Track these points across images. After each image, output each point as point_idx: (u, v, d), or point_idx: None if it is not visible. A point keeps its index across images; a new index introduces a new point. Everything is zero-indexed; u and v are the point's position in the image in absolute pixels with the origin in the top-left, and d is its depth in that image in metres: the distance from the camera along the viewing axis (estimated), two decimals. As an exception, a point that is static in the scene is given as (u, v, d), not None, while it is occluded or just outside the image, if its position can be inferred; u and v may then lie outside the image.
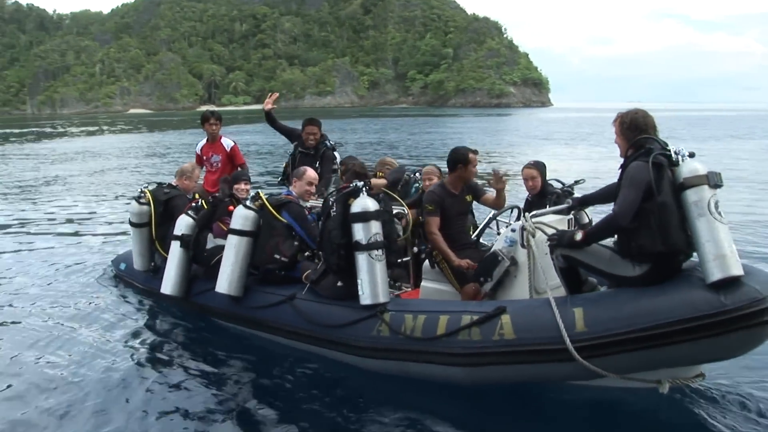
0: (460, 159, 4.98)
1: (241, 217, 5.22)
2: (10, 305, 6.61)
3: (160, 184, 6.85)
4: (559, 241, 3.97)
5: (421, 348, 4.16)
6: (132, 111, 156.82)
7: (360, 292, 4.42)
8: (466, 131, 43.81)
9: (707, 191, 3.50)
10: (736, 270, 3.43)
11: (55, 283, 7.31)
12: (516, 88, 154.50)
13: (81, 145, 36.31)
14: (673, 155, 3.63)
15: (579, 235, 3.90)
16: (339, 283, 4.70)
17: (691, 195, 3.51)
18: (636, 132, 3.82)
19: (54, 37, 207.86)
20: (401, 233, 5.21)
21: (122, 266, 7.33)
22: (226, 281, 5.17)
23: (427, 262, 5.13)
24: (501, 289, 4.61)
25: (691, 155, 3.65)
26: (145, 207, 6.62)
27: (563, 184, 5.48)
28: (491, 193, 5.20)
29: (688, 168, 3.56)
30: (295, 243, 5.18)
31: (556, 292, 4.08)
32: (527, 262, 4.31)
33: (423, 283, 5.18)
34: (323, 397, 4.32)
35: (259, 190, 5.48)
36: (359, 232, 4.41)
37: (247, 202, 5.31)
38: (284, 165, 7.30)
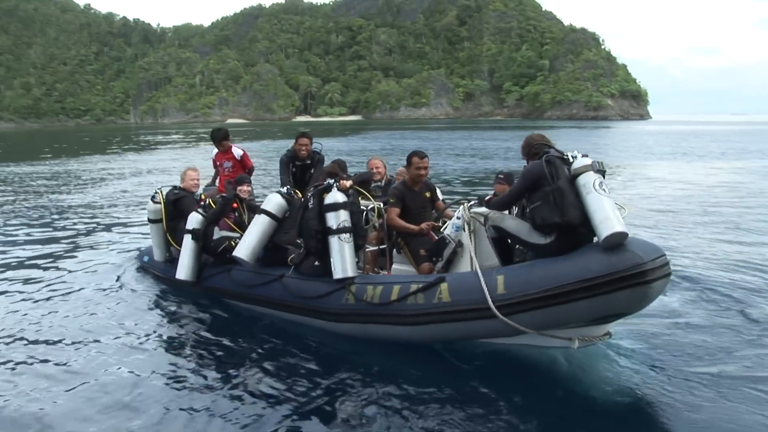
0: (407, 160, 7.06)
1: (274, 202, 7.28)
2: (57, 288, 8.79)
3: (174, 187, 8.99)
4: (492, 218, 5.85)
5: (378, 311, 5.99)
6: (230, 120, 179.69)
7: (333, 269, 6.34)
8: (561, 145, 57.65)
9: (592, 175, 5.15)
10: (620, 227, 4.89)
11: (94, 272, 9.71)
12: (613, 101, 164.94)
13: (175, 154, 42.74)
14: (569, 157, 5.37)
15: (499, 214, 5.88)
16: (316, 263, 6.63)
17: (581, 179, 5.17)
18: (528, 147, 5.89)
19: (157, 49, 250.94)
20: (376, 224, 7.24)
21: (145, 258, 9.60)
22: (246, 248, 7.16)
23: (395, 249, 7.04)
24: (450, 267, 6.37)
25: (584, 155, 5.36)
26: (158, 205, 8.76)
27: None
28: (440, 203, 7.25)
29: (578, 162, 5.28)
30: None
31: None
32: (469, 244, 6.00)
33: (393, 266, 7.02)
34: (308, 358, 6.06)
35: (295, 189, 7.77)
36: (331, 219, 6.34)
37: (283, 191, 7.42)
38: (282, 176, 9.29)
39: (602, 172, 5.21)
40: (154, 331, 6.99)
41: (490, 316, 5.28)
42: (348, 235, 6.34)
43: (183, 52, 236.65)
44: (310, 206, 6.56)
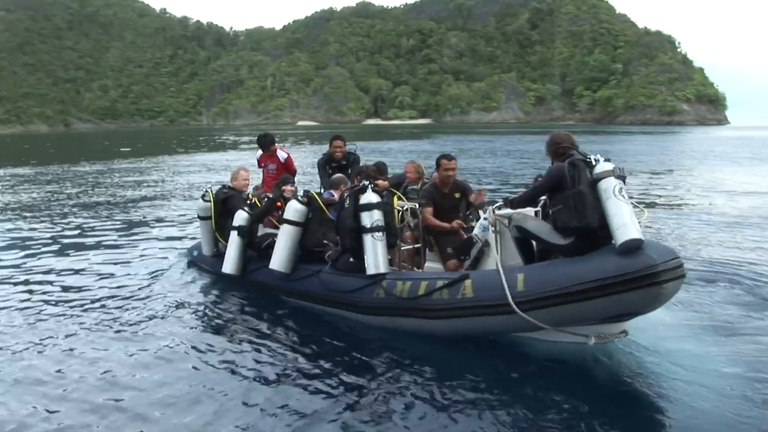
0: (437, 162, 7.77)
1: (295, 210, 7.95)
2: (114, 277, 9.82)
3: (222, 186, 9.83)
4: (515, 219, 6.42)
5: (406, 305, 6.66)
6: (300, 123, 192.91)
7: (367, 265, 7.01)
8: (632, 150, 46.68)
9: (613, 180, 5.57)
10: (636, 234, 5.36)
11: (148, 265, 10.64)
12: (689, 105, 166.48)
13: (244, 155, 43.92)
14: (592, 160, 5.76)
15: (523, 214, 6.46)
16: (351, 259, 7.33)
17: (602, 184, 5.59)
18: (554, 146, 6.23)
19: (230, 52, 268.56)
20: (411, 223, 7.82)
21: (195, 253, 10.58)
22: (279, 260, 7.94)
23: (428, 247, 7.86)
24: (478, 265, 6.92)
25: (607, 159, 5.73)
26: (207, 203, 9.63)
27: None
28: (473, 197, 7.72)
29: (600, 167, 5.68)
30: (336, 235, 7.71)
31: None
32: (494, 244, 6.57)
33: (426, 264, 7.77)
34: (336, 348, 6.68)
35: (313, 191, 8.24)
36: (365, 218, 7.01)
37: (299, 197, 8.10)
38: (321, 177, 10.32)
39: (623, 178, 5.70)
40: (199, 319, 7.85)
41: (509, 312, 5.88)
42: (381, 233, 7.05)
43: (255, 55, 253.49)
44: (346, 206, 7.30)
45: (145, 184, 25.06)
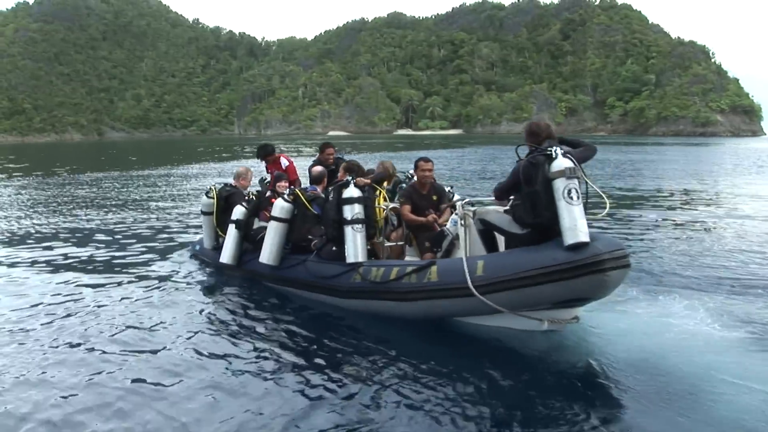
0: (415, 164, 8.58)
1: (280, 207, 8.75)
2: (121, 269, 10.84)
3: (225, 184, 10.74)
4: (479, 213, 7.30)
5: (379, 289, 7.40)
6: (331, 133, 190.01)
7: (347, 254, 7.78)
8: (665, 161, 46.59)
9: (564, 182, 6.02)
10: (583, 238, 5.95)
11: (156, 258, 11.89)
12: (723, 116, 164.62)
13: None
14: (553, 153, 6.14)
15: (488, 208, 7.34)
16: (334, 248, 8.07)
17: (555, 184, 6.08)
18: (530, 137, 6.63)
19: (261, 62, 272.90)
20: (394, 222, 8.73)
21: (197, 247, 11.60)
22: (267, 254, 8.82)
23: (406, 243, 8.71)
24: (449, 256, 7.59)
25: (564, 154, 6.13)
26: (211, 200, 10.48)
27: None
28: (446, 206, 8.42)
29: (554, 165, 6.10)
30: (322, 227, 8.41)
31: None
32: (462, 236, 7.34)
33: (406, 258, 8.44)
34: (326, 329, 7.46)
35: (297, 189, 8.96)
36: (347, 211, 7.73)
37: (285, 196, 8.79)
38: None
39: (575, 177, 6.13)
40: (196, 306, 8.60)
41: (469, 295, 6.57)
42: (361, 225, 7.76)
43: (286, 65, 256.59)
44: (331, 199, 8.00)
45: (169, 189, 27.17)
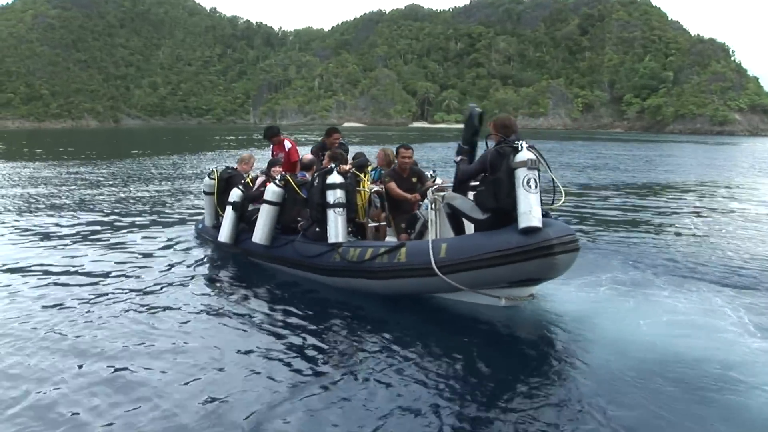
0: (396, 151, 9.67)
1: (272, 191, 9.50)
2: (134, 246, 11.95)
3: (227, 167, 11.71)
4: (447, 198, 8.03)
5: (355, 268, 8.22)
6: (347, 124, 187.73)
7: (329, 234, 8.57)
8: (678, 160, 45.54)
9: (525, 171, 6.79)
10: (536, 223, 6.71)
11: (162, 236, 12.98)
12: (742, 115, 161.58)
13: None
14: (519, 146, 6.93)
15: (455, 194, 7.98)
16: (317, 229, 8.86)
17: (517, 173, 6.83)
18: (498, 128, 7.36)
19: (278, 52, 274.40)
20: (377, 204, 9.53)
21: (200, 226, 12.66)
22: (260, 234, 9.61)
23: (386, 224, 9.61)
24: (421, 238, 8.54)
25: (528, 147, 6.96)
26: (212, 181, 11.39)
27: None
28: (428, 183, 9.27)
29: (518, 156, 6.88)
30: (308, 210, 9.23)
31: None
32: (433, 219, 8.20)
33: (387, 238, 9.36)
34: (309, 301, 8.41)
35: (287, 174, 9.70)
36: (330, 195, 8.49)
37: (276, 181, 9.58)
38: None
39: (536, 169, 6.91)
40: (193, 276, 9.65)
41: (433, 274, 7.40)
42: (342, 209, 8.54)
43: (303, 56, 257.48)
44: (316, 184, 8.76)
45: (182, 171, 29.10)
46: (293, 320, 7.69)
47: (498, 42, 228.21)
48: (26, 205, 18.04)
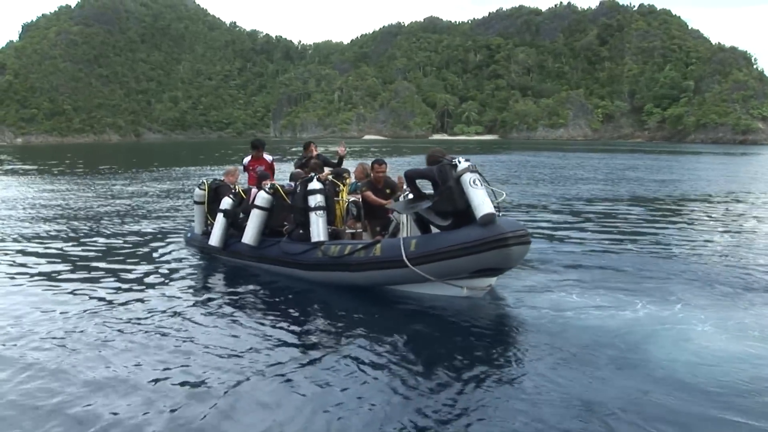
0: (371, 166, 10.81)
1: (262, 198, 10.63)
2: (127, 251, 13.13)
3: (215, 179, 12.72)
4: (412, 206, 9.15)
5: (335, 262, 9.38)
6: (366, 137, 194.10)
7: (312, 235, 9.72)
8: (699, 170, 44.22)
9: (470, 174, 8.30)
10: (489, 209, 8.10)
11: (156, 243, 14.10)
12: (765, 124, 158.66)
13: None
14: (456, 161, 8.48)
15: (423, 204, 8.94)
16: (301, 231, 10.00)
17: (463, 178, 8.32)
18: (432, 158, 8.96)
19: (297, 66, 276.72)
20: (354, 212, 10.67)
21: (189, 235, 13.68)
22: (249, 236, 10.74)
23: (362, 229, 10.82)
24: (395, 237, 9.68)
25: (466, 160, 8.52)
26: (203, 191, 12.37)
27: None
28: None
29: (460, 166, 8.42)
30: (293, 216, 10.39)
31: None
32: (405, 221, 9.52)
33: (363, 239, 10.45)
34: (294, 295, 9.55)
35: (275, 183, 10.89)
36: (311, 200, 9.70)
37: (266, 189, 10.69)
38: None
39: (476, 171, 8.43)
40: (187, 281, 10.57)
41: (404, 266, 8.56)
42: (322, 212, 9.72)
43: (322, 69, 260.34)
44: (298, 191, 9.95)
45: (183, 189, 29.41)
46: (272, 315, 8.56)
47: (517, 53, 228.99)
48: (26, 215, 19.29)
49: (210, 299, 9.41)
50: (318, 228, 9.74)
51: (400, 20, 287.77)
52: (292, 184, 10.70)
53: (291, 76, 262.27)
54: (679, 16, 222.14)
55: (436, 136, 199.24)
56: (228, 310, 8.82)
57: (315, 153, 12.70)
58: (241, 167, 13.53)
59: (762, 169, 49.06)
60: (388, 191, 10.68)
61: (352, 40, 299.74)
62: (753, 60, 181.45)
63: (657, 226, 16.86)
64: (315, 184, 9.82)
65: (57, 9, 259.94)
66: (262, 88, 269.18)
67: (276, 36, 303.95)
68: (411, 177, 9.08)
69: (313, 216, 9.75)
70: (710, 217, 19.11)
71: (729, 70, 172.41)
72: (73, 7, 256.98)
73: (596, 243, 13.91)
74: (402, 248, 8.66)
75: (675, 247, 13.38)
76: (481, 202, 8.20)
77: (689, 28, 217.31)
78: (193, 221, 13.69)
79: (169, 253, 12.99)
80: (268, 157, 13.40)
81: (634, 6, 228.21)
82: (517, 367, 6.61)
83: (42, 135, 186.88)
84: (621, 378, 6.22)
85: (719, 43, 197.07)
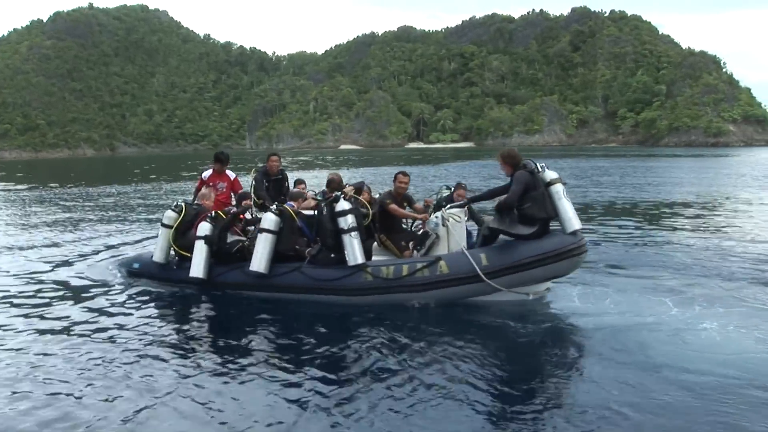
0: (395, 177, 10.15)
1: (270, 220, 9.44)
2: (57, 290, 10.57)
3: (191, 202, 10.81)
4: (486, 222, 9.35)
5: (394, 284, 8.86)
6: (342, 147, 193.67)
7: (347, 258, 9.03)
8: (678, 173, 44.49)
9: (561, 186, 8.51)
10: (577, 225, 8.51)
11: (88, 279, 11.27)
12: (736, 126, 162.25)
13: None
14: (539, 168, 8.53)
15: (492, 218, 9.18)
16: (332, 255, 9.25)
17: (553, 188, 8.49)
18: (512, 159, 8.70)
19: (272, 77, 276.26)
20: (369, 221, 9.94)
21: (135, 265, 11.11)
22: (258, 262, 9.33)
23: (375, 243, 10.07)
24: (430, 252, 9.36)
25: (546, 167, 8.61)
26: (176, 215, 10.31)
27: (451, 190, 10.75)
28: (418, 204, 10.38)
29: (548, 175, 8.50)
30: (304, 239, 9.77)
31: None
32: (445, 235, 9.18)
33: (373, 257, 9.78)
34: (327, 328, 8.39)
35: (285, 205, 9.71)
36: (342, 222, 8.99)
37: (272, 209, 9.55)
38: (252, 189, 11.37)
39: (565, 183, 8.69)
40: (177, 324, 8.80)
41: (479, 281, 8.53)
42: (356, 232, 9.06)
43: (297, 80, 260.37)
44: (324, 213, 9.28)
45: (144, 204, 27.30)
46: (303, 343, 7.83)
47: (491, 61, 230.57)
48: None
49: (218, 338, 8.34)
50: (354, 250, 8.98)
51: (374, 30, 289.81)
52: (292, 204, 9.84)
53: (266, 87, 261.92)
54: (650, 22, 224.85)
55: (412, 145, 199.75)
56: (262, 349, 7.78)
57: (276, 167, 11.74)
58: (201, 179, 11.86)
59: (740, 170, 48.65)
60: (405, 204, 10.23)
61: (326, 51, 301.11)
62: (722, 64, 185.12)
63: (640, 229, 16.89)
64: (343, 204, 9.06)
65: (29, 23, 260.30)
66: (237, 99, 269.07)
67: (250, 47, 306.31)
68: (512, 204, 8.55)
69: (346, 238, 8.98)
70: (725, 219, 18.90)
71: (699, 74, 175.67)
72: (45, 21, 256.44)
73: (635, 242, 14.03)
74: (474, 263, 8.57)
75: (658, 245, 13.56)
76: (573, 216, 8.53)
77: (660, 33, 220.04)
78: (129, 245, 12.34)
79: (114, 295, 10.25)
80: (231, 173, 11.85)
81: (605, 12, 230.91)
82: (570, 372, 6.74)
83: (15, 150, 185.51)
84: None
85: (689, 47, 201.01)
